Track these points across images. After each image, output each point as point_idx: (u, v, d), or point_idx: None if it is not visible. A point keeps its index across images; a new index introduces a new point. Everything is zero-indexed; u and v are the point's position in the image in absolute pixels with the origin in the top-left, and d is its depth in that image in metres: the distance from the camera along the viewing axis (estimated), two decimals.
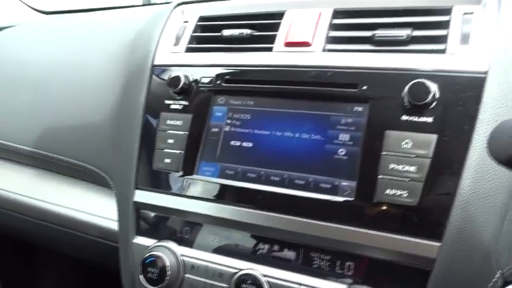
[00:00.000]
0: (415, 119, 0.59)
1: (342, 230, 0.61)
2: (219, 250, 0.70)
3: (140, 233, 0.78)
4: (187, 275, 0.71)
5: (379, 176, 0.59)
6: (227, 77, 0.74)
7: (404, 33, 0.63)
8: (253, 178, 0.68)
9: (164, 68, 0.80)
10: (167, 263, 0.69)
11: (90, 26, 1.11)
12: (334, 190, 0.62)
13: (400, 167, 0.59)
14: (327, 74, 0.66)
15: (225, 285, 0.67)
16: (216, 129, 0.73)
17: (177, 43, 0.81)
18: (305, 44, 0.69)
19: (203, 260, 0.70)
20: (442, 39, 0.62)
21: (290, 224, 0.64)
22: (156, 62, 0.81)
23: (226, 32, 0.76)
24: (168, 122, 0.76)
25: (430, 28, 0.64)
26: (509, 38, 0.58)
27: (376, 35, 0.65)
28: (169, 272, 0.69)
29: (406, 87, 0.59)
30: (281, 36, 0.72)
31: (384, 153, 0.60)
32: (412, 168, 0.58)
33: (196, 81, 0.76)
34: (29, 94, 1.03)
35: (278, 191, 0.65)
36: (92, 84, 0.95)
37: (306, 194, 0.64)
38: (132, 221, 0.78)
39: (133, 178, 0.77)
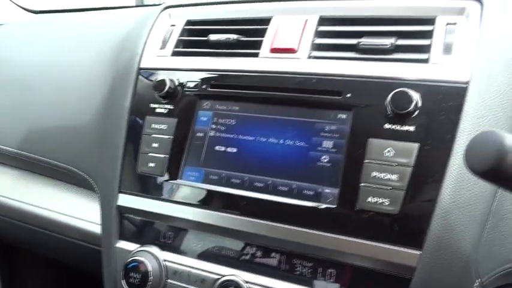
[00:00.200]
0: (398, 127, 0.59)
1: (324, 237, 0.61)
2: (202, 256, 0.70)
3: (123, 237, 0.77)
4: (169, 281, 0.70)
5: (362, 184, 0.60)
6: (213, 81, 0.74)
7: (388, 42, 0.64)
8: (237, 184, 0.68)
9: (150, 71, 0.80)
10: (149, 268, 0.69)
11: (78, 26, 1.10)
12: (317, 197, 0.62)
13: (382, 175, 0.59)
14: (312, 81, 0.66)
15: None
16: (201, 134, 0.72)
17: (163, 46, 0.81)
18: (291, 51, 0.69)
19: (186, 266, 0.70)
20: (425, 49, 0.62)
21: (273, 230, 0.64)
22: (142, 65, 0.81)
23: (213, 37, 0.76)
24: (153, 125, 0.75)
25: (413, 37, 0.64)
26: (491, 48, 0.59)
27: (361, 43, 0.65)
28: (152, 277, 0.69)
29: (389, 96, 0.59)
30: (267, 42, 0.72)
31: (366, 161, 0.60)
32: (394, 177, 0.58)
33: (182, 85, 0.75)
34: (13, 94, 1.01)
35: (262, 197, 0.65)
36: (78, 85, 0.94)
37: (290, 200, 0.64)
38: (115, 225, 0.77)
39: (117, 182, 0.77)
